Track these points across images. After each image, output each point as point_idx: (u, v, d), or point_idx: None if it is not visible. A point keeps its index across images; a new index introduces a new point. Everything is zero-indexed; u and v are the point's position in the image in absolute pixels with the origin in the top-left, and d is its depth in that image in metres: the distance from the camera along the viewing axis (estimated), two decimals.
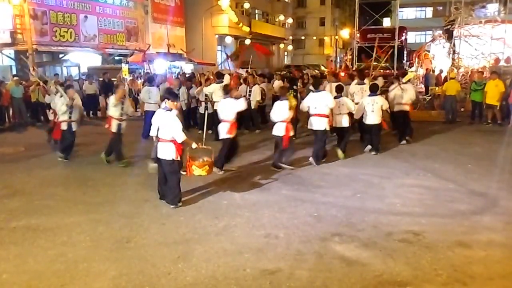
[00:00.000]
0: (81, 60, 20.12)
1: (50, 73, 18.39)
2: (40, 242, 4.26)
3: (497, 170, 6.64)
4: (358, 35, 14.33)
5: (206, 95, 10.01)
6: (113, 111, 7.13)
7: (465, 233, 4.37)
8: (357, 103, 8.07)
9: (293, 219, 4.77)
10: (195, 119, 10.98)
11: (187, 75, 14.56)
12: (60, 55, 19.68)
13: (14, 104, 12.01)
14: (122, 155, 7.29)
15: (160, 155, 5.18)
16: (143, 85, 10.36)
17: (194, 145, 5.30)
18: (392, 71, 12.98)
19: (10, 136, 10.80)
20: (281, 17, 39.08)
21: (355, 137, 8.62)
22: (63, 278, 3.57)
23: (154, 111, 8.26)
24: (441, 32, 15.62)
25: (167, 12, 26.07)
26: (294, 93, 9.67)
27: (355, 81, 9.16)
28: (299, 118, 8.77)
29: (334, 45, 41.87)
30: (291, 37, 44.01)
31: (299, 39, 46.42)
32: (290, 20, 41.85)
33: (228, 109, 6.62)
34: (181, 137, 5.04)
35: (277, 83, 11.70)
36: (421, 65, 19.14)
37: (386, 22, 17.74)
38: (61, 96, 7.53)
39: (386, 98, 8.45)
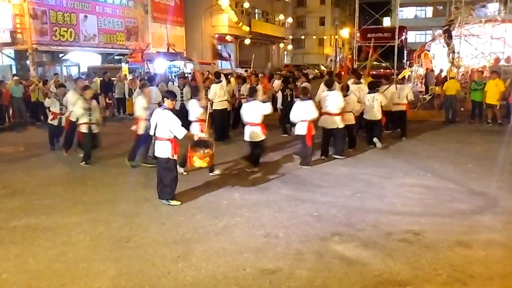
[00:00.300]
0: (81, 59, 20.12)
1: (50, 73, 18.40)
2: (40, 242, 4.26)
3: (497, 170, 6.64)
4: (358, 34, 14.32)
5: (205, 95, 10.00)
6: (143, 112, 6.87)
7: (465, 232, 4.37)
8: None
9: (293, 219, 4.77)
10: None
11: (186, 75, 14.56)
12: (60, 55, 19.67)
13: (14, 103, 12.01)
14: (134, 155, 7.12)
15: (156, 153, 5.25)
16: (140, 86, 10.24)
17: (196, 137, 5.43)
18: (392, 70, 12.97)
19: (10, 135, 10.80)
20: (281, 17, 39.06)
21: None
22: (63, 277, 3.57)
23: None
24: (441, 31, 15.60)
25: (167, 12, 26.06)
26: (290, 92, 9.78)
27: (351, 80, 9.35)
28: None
29: (334, 45, 41.87)
30: (291, 37, 44.02)
31: (299, 39, 46.45)
32: (290, 20, 41.84)
33: (254, 111, 6.57)
34: (182, 132, 5.11)
35: (276, 83, 11.70)
36: (421, 65, 19.15)
37: (386, 22, 17.77)
38: (77, 99, 7.33)
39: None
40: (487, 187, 5.84)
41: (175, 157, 5.24)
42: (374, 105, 8.06)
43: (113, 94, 14.29)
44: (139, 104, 7.03)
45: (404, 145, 8.65)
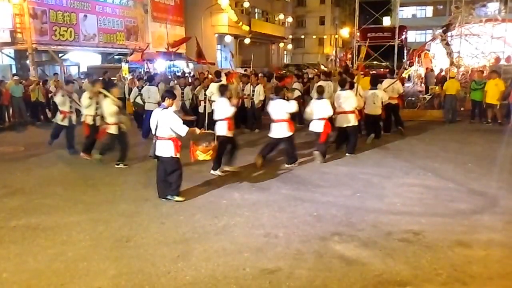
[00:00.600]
0: (81, 59, 20.11)
1: (49, 72, 18.40)
2: (40, 241, 4.26)
3: (497, 170, 6.64)
4: (358, 34, 14.31)
5: (205, 94, 10.02)
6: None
7: (465, 232, 4.37)
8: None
9: (292, 219, 4.77)
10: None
11: (186, 74, 14.56)
12: (60, 54, 19.66)
13: (14, 103, 12.01)
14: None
15: (159, 153, 5.26)
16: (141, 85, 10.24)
17: (197, 131, 5.53)
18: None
19: (9, 135, 10.80)
20: (281, 16, 39.02)
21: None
22: (63, 277, 3.57)
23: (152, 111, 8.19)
24: (441, 31, 15.59)
25: (166, 11, 26.04)
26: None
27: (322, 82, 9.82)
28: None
29: (334, 44, 41.84)
30: (290, 36, 43.96)
31: (298, 38, 46.39)
32: (290, 19, 41.78)
33: (279, 109, 6.77)
34: (184, 130, 5.15)
35: (275, 82, 11.71)
36: (421, 64, 19.14)
37: (386, 21, 17.75)
38: (105, 97, 7.12)
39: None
40: (487, 187, 5.84)
41: (178, 155, 5.28)
42: (375, 100, 8.55)
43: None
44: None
45: (404, 145, 8.66)
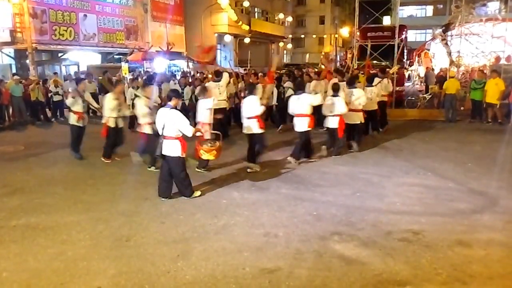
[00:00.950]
0: (81, 58, 20.10)
1: (49, 72, 18.39)
2: (40, 241, 4.26)
3: (497, 169, 6.64)
4: (358, 33, 14.28)
5: None
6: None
7: (465, 232, 4.36)
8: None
9: (292, 218, 4.77)
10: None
11: (187, 74, 14.57)
12: (60, 54, 19.66)
13: (13, 102, 12.01)
14: None
15: (165, 152, 5.30)
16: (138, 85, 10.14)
17: (203, 131, 5.65)
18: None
19: (9, 134, 10.80)
20: (281, 15, 39.00)
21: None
22: (63, 276, 3.57)
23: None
24: (440, 30, 15.57)
25: (166, 11, 26.03)
26: (283, 90, 10.02)
27: (335, 79, 9.78)
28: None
29: (334, 44, 41.79)
30: (290, 36, 43.95)
31: (298, 38, 46.37)
32: (289, 19, 41.77)
33: (302, 103, 6.94)
34: (190, 130, 5.20)
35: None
36: (421, 64, 19.12)
37: (386, 21, 17.74)
38: (137, 97, 7.01)
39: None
40: (487, 187, 5.84)
41: (184, 155, 5.33)
42: (372, 96, 8.80)
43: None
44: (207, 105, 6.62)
45: (404, 144, 8.66)
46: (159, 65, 18.81)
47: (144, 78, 12.21)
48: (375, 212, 4.92)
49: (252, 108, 6.55)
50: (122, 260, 3.83)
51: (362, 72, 12.10)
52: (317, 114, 7.84)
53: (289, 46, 44.22)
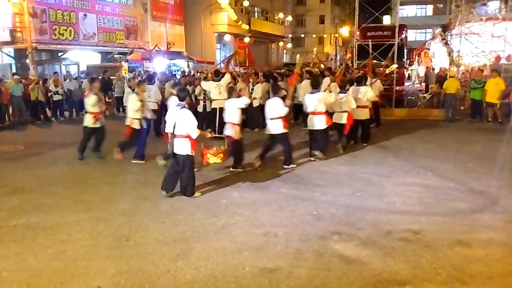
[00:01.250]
0: (81, 58, 20.09)
1: (49, 71, 18.39)
2: (39, 240, 4.26)
3: (497, 169, 6.64)
4: (358, 33, 14.27)
5: (204, 94, 10.02)
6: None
7: (465, 231, 4.36)
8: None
9: (292, 218, 4.77)
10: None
11: (186, 74, 14.56)
12: (60, 53, 19.65)
13: (13, 102, 12.01)
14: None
15: (176, 151, 5.39)
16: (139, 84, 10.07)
17: (208, 135, 5.72)
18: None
19: (9, 134, 10.79)
20: (281, 15, 38.97)
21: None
22: (63, 276, 3.57)
23: (153, 110, 8.24)
24: (440, 30, 15.55)
25: (166, 10, 26.03)
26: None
27: (327, 80, 9.97)
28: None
29: (334, 43, 41.79)
30: (290, 35, 43.91)
31: (298, 37, 46.33)
32: (289, 18, 41.73)
33: (317, 101, 7.09)
34: (195, 133, 5.29)
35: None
36: (421, 63, 19.11)
37: (386, 20, 17.69)
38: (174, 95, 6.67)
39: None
40: (487, 186, 5.84)
41: (193, 153, 5.41)
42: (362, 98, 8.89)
43: (113, 93, 14.29)
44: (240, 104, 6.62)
45: (404, 144, 8.66)
46: (159, 65, 18.78)
47: (143, 77, 12.15)
48: (375, 212, 4.92)
49: (276, 109, 6.62)
50: (122, 259, 3.83)
51: (361, 71, 12.08)
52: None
53: (289, 45, 44.21)
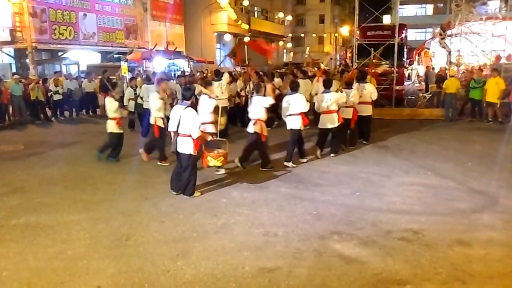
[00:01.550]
0: (80, 58, 20.10)
1: (49, 71, 18.39)
2: (40, 240, 4.26)
3: (498, 168, 6.64)
4: (358, 32, 14.26)
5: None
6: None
7: (464, 231, 4.36)
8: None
9: (292, 217, 4.77)
10: None
11: (186, 73, 14.57)
12: (60, 53, 19.65)
13: (13, 102, 12.00)
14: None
15: (179, 149, 5.41)
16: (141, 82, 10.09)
17: (209, 138, 5.68)
18: (392, 68, 12.96)
19: (9, 134, 10.79)
20: (281, 15, 38.95)
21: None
22: (63, 275, 3.57)
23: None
24: (440, 29, 15.57)
25: (166, 10, 26.03)
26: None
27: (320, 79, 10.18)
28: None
29: (334, 43, 41.77)
30: (290, 35, 43.90)
31: (298, 37, 46.33)
32: (289, 18, 41.72)
33: (330, 100, 7.30)
34: (196, 133, 5.28)
35: (276, 81, 11.71)
36: (421, 63, 19.12)
37: (386, 19, 17.66)
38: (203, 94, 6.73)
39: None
40: (487, 186, 5.84)
41: (196, 153, 5.42)
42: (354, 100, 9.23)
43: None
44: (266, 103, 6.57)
45: (404, 144, 8.66)
46: (159, 64, 18.79)
47: (156, 76, 11.99)
48: (374, 212, 4.92)
49: (297, 105, 6.73)
50: (122, 259, 3.83)
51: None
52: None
53: (289, 45, 44.18)
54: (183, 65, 22.12)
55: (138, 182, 6.20)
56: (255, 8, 35.71)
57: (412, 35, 29.54)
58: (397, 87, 13.10)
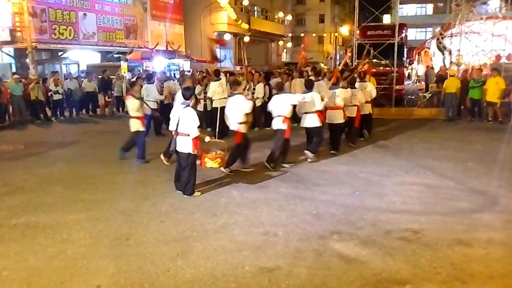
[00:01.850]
0: (80, 57, 20.09)
1: (49, 71, 18.38)
2: (39, 240, 4.26)
3: (498, 168, 6.63)
4: (357, 32, 14.26)
5: (205, 93, 10.02)
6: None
7: (464, 231, 4.36)
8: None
9: (292, 217, 4.77)
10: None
11: (186, 73, 14.56)
12: (60, 53, 19.65)
13: (13, 102, 12.01)
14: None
15: (179, 148, 5.43)
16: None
17: (207, 139, 5.65)
18: (392, 68, 12.96)
19: (9, 134, 10.79)
20: (280, 14, 38.96)
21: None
22: (63, 275, 3.57)
23: (153, 109, 8.22)
24: (440, 29, 15.57)
25: (166, 10, 26.02)
26: (269, 88, 10.35)
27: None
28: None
29: (334, 42, 41.76)
30: (290, 34, 43.89)
31: (298, 36, 46.28)
32: (289, 17, 41.74)
33: (337, 97, 7.61)
34: (194, 133, 5.30)
35: (274, 81, 11.73)
36: (421, 62, 19.12)
37: (386, 19, 17.68)
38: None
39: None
40: (487, 186, 5.84)
41: (195, 152, 5.43)
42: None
43: (112, 92, 14.30)
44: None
45: (403, 143, 8.66)
46: (159, 64, 18.77)
47: (155, 75, 11.85)
48: (374, 211, 4.92)
49: (313, 103, 6.95)
50: (121, 259, 3.83)
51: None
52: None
53: (289, 44, 44.17)
54: (185, 64, 22.10)
55: (138, 182, 6.20)
56: (255, 8, 35.71)
57: (412, 34, 29.57)
58: (397, 87, 13.11)
